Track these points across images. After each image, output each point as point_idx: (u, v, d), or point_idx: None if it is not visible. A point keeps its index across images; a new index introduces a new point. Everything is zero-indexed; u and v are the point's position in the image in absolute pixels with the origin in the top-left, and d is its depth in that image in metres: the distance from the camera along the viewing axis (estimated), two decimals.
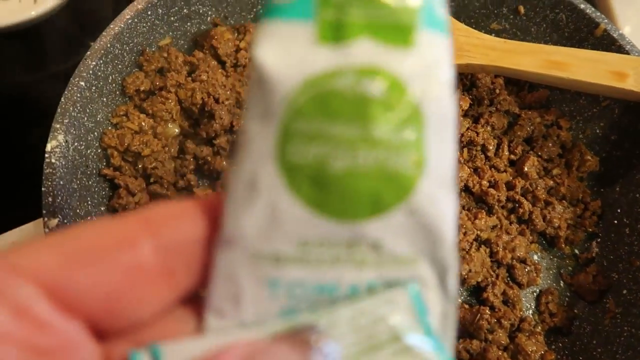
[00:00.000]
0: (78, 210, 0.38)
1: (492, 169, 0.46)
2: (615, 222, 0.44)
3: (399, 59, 0.14)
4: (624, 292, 0.41)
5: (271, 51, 0.14)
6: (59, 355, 0.12)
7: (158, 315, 0.14)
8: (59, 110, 0.37)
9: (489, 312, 0.40)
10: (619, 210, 0.45)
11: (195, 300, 0.15)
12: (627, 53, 0.45)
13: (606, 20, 0.47)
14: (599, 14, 0.47)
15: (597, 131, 0.48)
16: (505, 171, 0.46)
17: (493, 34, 0.52)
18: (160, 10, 0.45)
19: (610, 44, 0.46)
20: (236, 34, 0.50)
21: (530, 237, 0.44)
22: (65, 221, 0.35)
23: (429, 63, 0.14)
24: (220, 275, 0.15)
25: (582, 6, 0.47)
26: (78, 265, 0.13)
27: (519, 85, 0.51)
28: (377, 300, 0.14)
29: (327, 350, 0.13)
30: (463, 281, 0.40)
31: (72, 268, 0.13)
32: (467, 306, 0.41)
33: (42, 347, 0.12)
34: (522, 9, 0.51)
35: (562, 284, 0.44)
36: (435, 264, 0.15)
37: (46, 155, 0.36)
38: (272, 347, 0.14)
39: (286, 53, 0.14)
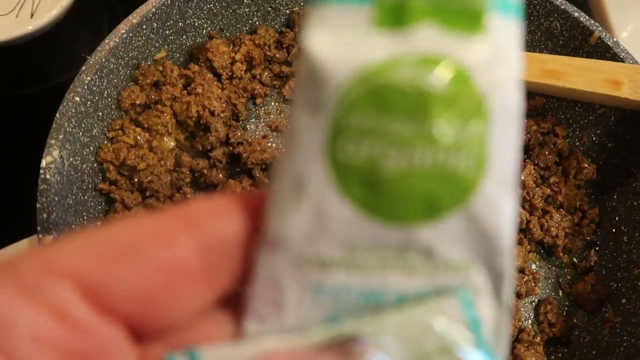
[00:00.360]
0: (73, 226, 0.38)
1: None
2: (614, 230, 0.44)
3: (466, 47, 0.12)
4: (623, 301, 0.40)
5: (323, 38, 0.13)
6: (97, 358, 0.12)
7: (195, 316, 0.14)
8: (53, 125, 0.37)
9: None
10: (617, 218, 0.44)
11: (233, 304, 0.15)
12: (622, 61, 0.45)
13: (600, 28, 0.47)
14: (593, 21, 0.47)
15: (594, 139, 0.48)
16: None
17: None
18: (156, 24, 0.45)
19: (605, 51, 0.46)
20: (232, 46, 0.50)
21: (528, 247, 0.44)
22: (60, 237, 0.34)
23: (498, 51, 0.13)
24: (262, 278, 0.14)
25: (576, 14, 0.47)
26: (116, 264, 0.12)
27: None
28: (426, 309, 0.14)
29: None
30: None
31: (109, 267, 0.12)
32: None
33: (80, 349, 0.12)
34: None
35: (560, 293, 0.44)
36: (490, 271, 0.14)
37: (41, 171, 0.36)
38: (314, 357, 0.13)
39: (340, 40, 0.13)
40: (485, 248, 0.13)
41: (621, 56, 0.45)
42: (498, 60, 0.13)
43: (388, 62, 0.12)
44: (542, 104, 0.51)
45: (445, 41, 0.12)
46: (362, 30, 0.13)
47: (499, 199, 0.13)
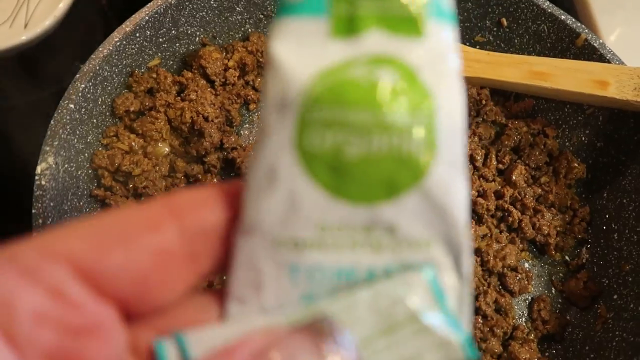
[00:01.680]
0: None
1: (481, 178, 0.47)
2: (604, 227, 0.45)
3: (410, 48, 0.14)
4: (615, 297, 0.41)
5: (287, 46, 0.15)
6: (92, 335, 0.13)
7: (181, 301, 0.15)
8: (48, 132, 0.37)
9: (481, 321, 0.40)
10: (607, 216, 0.45)
11: (217, 290, 0.16)
12: (608, 62, 0.45)
13: (586, 30, 0.47)
14: (579, 24, 0.48)
15: (583, 139, 0.49)
16: (493, 180, 0.47)
17: (477, 47, 0.53)
18: (149, 32, 0.46)
19: (592, 53, 0.47)
20: (224, 53, 0.51)
21: (521, 245, 0.44)
22: None
23: (438, 51, 0.15)
24: (241, 262, 0.15)
25: (563, 17, 0.48)
26: (108, 249, 0.13)
27: (505, 95, 0.52)
28: (395, 283, 0.15)
29: (341, 340, 0.14)
30: None
31: (102, 251, 0.13)
32: None
33: (76, 326, 0.13)
34: (504, 21, 0.52)
35: (553, 291, 0.44)
36: (449, 247, 0.15)
37: (36, 177, 0.36)
38: (287, 337, 0.14)
39: (301, 47, 0.14)
40: (442, 225, 0.15)
41: (607, 57, 0.46)
42: (439, 59, 0.15)
43: (344, 63, 0.14)
44: (531, 106, 0.52)
45: (392, 44, 0.15)
46: (320, 39, 0.15)
47: (451, 179, 0.15)
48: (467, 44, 0.52)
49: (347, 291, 0.15)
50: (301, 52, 0.14)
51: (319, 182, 0.14)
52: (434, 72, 0.15)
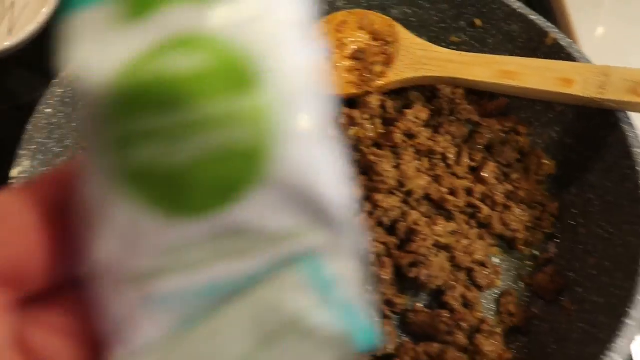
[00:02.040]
0: None
1: (452, 176, 0.48)
2: (572, 222, 0.46)
3: (218, 15, 0.12)
4: (580, 290, 0.42)
5: (77, 50, 0.12)
6: None
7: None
8: (24, 137, 0.39)
9: (448, 315, 0.41)
10: (574, 211, 0.46)
11: (65, 298, 0.15)
12: (576, 60, 0.47)
13: (555, 30, 0.49)
14: (549, 24, 0.49)
15: (554, 136, 0.50)
16: (464, 178, 0.48)
17: (454, 47, 0.54)
18: None
19: (560, 52, 0.48)
20: None
21: (490, 241, 0.45)
22: None
23: (261, 6, 0.12)
24: (99, 312, 0.14)
25: (533, 17, 0.49)
26: None
27: (480, 94, 0.53)
28: (269, 288, 0.13)
29: None
30: (423, 286, 0.41)
31: None
32: (426, 310, 0.42)
33: None
34: (478, 22, 0.53)
35: (521, 285, 0.45)
36: (323, 227, 0.13)
37: (13, 181, 0.37)
38: None
39: (91, 47, 0.12)
40: (307, 206, 0.13)
41: (575, 56, 0.47)
42: (262, 14, 0.12)
43: (142, 56, 0.12)
44: (505, 104, 0.53)
45: (193, 17, 0.12)
46: (111, 31, 0.12)
47: (306, 154, 0.13)
48: (444, 44, 0.53)
49: (220, 309, 0.13)
50: (92, 54, 0.12)
51: (150, 202, 0.12)
52: (258, 33, 0.12)
